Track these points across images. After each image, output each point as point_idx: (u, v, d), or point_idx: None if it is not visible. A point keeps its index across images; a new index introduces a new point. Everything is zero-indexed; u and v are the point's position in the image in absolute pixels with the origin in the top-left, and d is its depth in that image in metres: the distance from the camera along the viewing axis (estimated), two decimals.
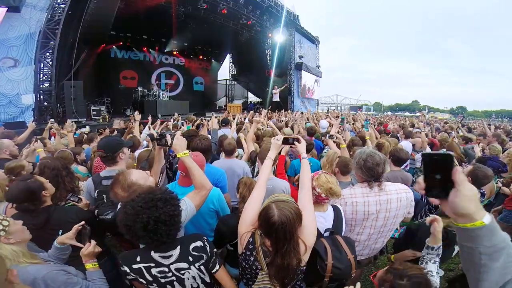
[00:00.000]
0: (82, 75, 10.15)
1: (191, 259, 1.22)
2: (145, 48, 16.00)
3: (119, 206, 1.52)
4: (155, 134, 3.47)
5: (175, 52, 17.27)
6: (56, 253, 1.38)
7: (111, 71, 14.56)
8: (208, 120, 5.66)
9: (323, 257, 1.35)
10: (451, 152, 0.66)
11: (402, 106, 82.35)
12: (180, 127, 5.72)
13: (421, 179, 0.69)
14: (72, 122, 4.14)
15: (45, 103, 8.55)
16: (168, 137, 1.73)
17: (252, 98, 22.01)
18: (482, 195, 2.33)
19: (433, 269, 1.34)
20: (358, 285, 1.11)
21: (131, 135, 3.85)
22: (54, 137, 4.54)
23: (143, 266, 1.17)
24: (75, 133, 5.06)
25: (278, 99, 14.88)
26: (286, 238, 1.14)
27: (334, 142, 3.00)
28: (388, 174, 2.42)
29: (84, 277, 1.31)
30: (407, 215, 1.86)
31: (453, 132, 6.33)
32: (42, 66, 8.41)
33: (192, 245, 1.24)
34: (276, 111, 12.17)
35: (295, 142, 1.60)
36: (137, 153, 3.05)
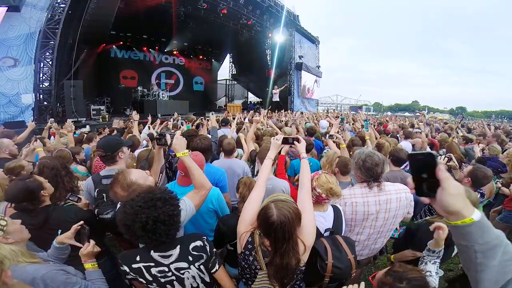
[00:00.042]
0: (82, 75, 10.15)
1: (191, 258, 1.22)
2: (145, 48, 15.98)
3: (118, 205, 1.52)
4: (155, 134, 3.47)
5: (175, 52, 17.27)
6: (55, 252, 1.38)
7: (111, 70, 14.55)
8: (207, 120, 5.66)
9: (323, 256, 1.35)
10: (433, 152, 0.66)
11: (402, 106, 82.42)
12: (180, 127, 5.71)
13: (410, 179, 0.69)
14: (71, 122, 4.14)
15: (45, 103, 8.55)
16: (168, 137, 1.72)
17: (252, 98, 22.00)
18: (482, 195, 2.32)
19: (432, 270, 1.34)
20: (363, 284, 1.09)
21: (130, 134, 3.85)
22: (54, 137, 4.53)
23: (143, 266, 1.17)
24: (75, 132, 5.06)
25: (278, 99, 14.91)
26: (285, 238, 1.14)
27: (334, 142, 3.00)
28: (388, 174, 2.43)
29: (83, 277, 1.31)
30: (406, 215, 1.86)
31: (452, 132, 6.32)
32: (42, 65, 8.41)
33: (192, 245, 1.24)
34: (276, 111, 12.18)
35: (295, 142, 1.60)
36: (136, 152, 3.05)
